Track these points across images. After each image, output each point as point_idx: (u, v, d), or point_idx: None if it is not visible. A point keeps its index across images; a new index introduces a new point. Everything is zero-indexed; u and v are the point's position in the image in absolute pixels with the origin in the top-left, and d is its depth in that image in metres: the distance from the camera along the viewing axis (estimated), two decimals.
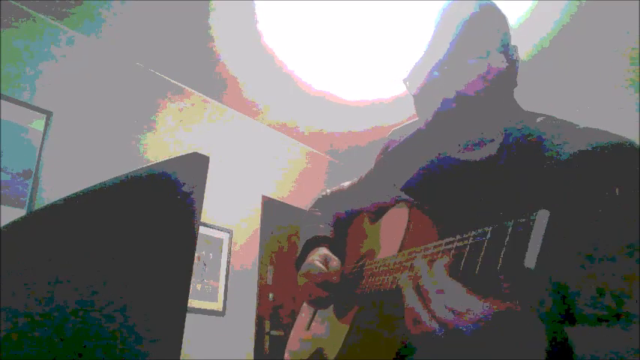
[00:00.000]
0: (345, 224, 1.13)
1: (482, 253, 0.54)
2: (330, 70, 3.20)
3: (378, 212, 0.99)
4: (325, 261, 0.97)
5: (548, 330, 0.54)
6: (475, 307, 0.54)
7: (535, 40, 2.86)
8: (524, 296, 0.58)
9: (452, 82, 0.73)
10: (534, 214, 0.48)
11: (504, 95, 0.77)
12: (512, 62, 0.77)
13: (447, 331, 0.56)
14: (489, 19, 0.77)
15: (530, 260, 0.46)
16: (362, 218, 1.07)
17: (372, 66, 3.12)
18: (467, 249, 0.58)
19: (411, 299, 0.61)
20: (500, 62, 0.74)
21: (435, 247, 0.65)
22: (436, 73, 0.75)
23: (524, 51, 2.90)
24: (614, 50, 2.93)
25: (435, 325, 0.57)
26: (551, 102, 2.82)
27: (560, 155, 0.66)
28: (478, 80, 0.73)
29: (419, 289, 0.60)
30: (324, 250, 1.01)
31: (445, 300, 0.57)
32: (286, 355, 1.11)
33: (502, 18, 0.79)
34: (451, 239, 0.62)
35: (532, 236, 0.47)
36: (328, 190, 1.22)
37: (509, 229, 0.51)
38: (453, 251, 0.60)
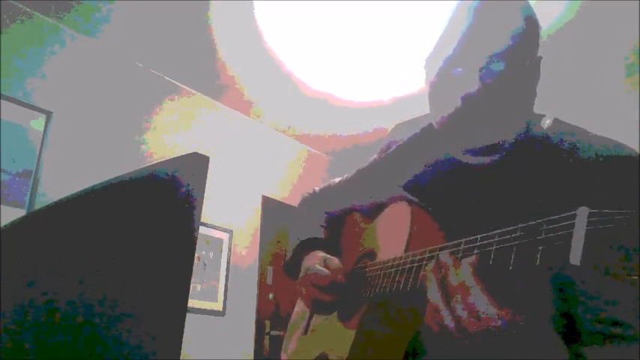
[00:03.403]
0: (338, 224, 1.08)
1: (514, 252, 0.54)
2: (330, 70, 3.20)
3: (372, 211, 0.96)
4: (325, 263, 0.93)
5: (570, 350, 0.54)
6: (489, 313, 0.54)
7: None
8: (537, 308, 0.58)
9: (470, 80, 0.70)
10: (574, 211, 0.47)
11: (521, 95, 0.73)
12: (534, 62, 0.73)
13: (462, 332, 0.56)
14: (505, 13, 0.72)
15: (575, 257, 0.45)
16: (355, 217, 1.03)
17: (372, 67, 3.12)
18: (493, 247, 0.57)
19: (433, 294, 0.60)
20: (518, 60, 0.70)
21: (455, 245, 0.63)
22: (459, 69, 0.71)
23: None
24: (614, 49, 2.93)
25: (451, 324, 0.56)
26: (550, 102, 2.81)
27: (571, 160, 0.65)
28: (494, 78, 0.69)
29: (444, 285, 0.59)
30: (320, 253, 0.96)
31: (465, 300, 0.56)
32: (284, 357, 1.06)
33: (520, 11, 0.73)
34: (473, 238, 0.61)
35: (575, 232, 0.46)
36: (317, 188, 1.15)
37: (544, 227, 0.51)
38: (476, 250, 0.59)
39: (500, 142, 0.73)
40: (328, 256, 0.94)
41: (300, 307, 1.11)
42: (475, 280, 0.56)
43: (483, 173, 0.76)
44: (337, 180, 1.11)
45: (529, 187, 0.68)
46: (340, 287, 0.90)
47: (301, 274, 0.96)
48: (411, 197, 0.85)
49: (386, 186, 0.92)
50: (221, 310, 3.18)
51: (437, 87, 0.76)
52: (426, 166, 0.85)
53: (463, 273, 0.57)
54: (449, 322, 0.57)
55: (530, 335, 0.53)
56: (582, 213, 0.46)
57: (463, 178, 0.78)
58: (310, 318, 1.03)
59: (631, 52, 2.92)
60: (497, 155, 0.74)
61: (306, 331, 1.02)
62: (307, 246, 1.01)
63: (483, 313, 0.54)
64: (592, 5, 2.59)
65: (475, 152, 0.75)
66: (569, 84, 3.20)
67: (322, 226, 1.07)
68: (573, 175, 0.64)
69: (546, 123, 0.74)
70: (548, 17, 2.69)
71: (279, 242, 3.68)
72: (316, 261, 0.93)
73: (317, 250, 0.99)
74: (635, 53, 2.91)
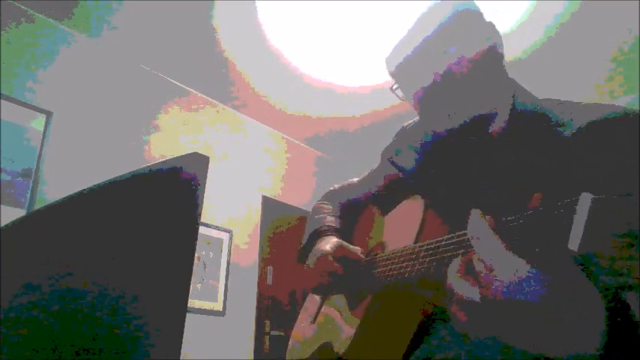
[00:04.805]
0: (353, 216, 1.12)
1: (515, 240, 0.52)
2: (330, 69, 3.20)
3: (385, 203, 0.98)
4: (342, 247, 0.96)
5: (602, 295, 0.48)
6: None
7: (534, 39, 2.86)
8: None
9: (430, 65, 0.76)
10: (576, 197, 0.46)
11: (493, 74, 0.78)
12: (492, 49, 0.78)
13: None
14: (467, 19, 0.79)
15: (574, 243, 0.44)
16: (371, 211, 1.06)
17: (371, 63, 3.12)
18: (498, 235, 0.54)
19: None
20: (476, 50, 0.76)
21: (458, 236, 0.63)
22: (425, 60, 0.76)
23: (522, 50, 2.91)
24: (613, 50, 2.93)
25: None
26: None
27: (570, 127, 0.66)
28: (457, 65, 0.74)
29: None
30: (335, 239, 0.99)
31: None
32: (288, 355, 1.07)
33: (479, 18, 0.81)
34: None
35: (576, 218, 0.45)
36: (337, 185, 1.21)
37: (545, 213, 0.49)
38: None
39: (491, 113, 0.76)
40: (345, 243, 0.97)
41: (309, 301, 1.12)
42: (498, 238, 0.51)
43: (481, 148, 0.77)
44: (356, 179, 1.16)
45: (528, 162, 0.69)
46: (350, 266, 0.93)
47: (312, 258, 0.99)
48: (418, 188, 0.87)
49: (387, 170, 0.98)
50: (221, 310, 3.18)
51: (399, 72, 0.82)
52: (420, 145, 0.90)
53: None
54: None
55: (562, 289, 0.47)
56: (585, 199, 0.45)
57: (460, 154, 0.80)
58: (320, 307, 1.04)
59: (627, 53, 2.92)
60: (491, 127, 0.77)
61: (314, 320, 1.03)
62: (321, 234, 1.05)
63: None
64: (592, 4, 2.59)
65: (459, 131, 0.77)
66: (570, 83, 3.20)
67: (337, 216, 1.11)
68: (565, 148, 0.65)
69: (540, 98, 0.77)
70: (548, 16, 2.69)
71: (278, 241, 3.68)
72: (330, 243, 0.97)
73: (330, 236, 1.02)
74: (635, 51, 2.91)
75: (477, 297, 0.50)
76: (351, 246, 0.96)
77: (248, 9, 2.66)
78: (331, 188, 1.21)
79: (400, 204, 0.92)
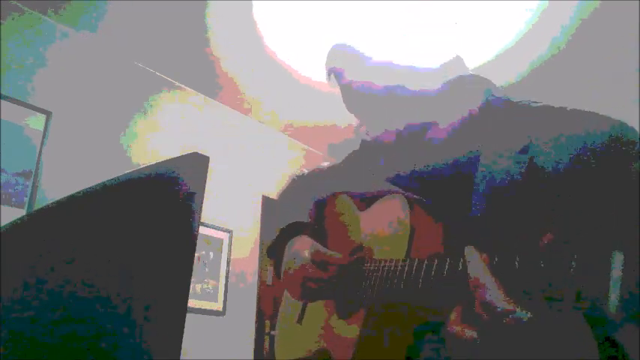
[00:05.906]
0: (322, 207, 1.04)
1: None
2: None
3: (362, 196, 0.93)
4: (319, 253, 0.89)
5: (595, 332, 0.49)
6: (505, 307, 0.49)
7: (545, 43, 2.85)
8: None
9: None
10: (610, 255, 0.43)
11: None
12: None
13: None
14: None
15: (613, 306, 0.42)
16: (341, 200, 0.99)
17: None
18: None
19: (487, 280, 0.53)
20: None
21: (452, 264, 0.61)
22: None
23: (530, 54, 2.91)
24: (625, 53, 2.93)
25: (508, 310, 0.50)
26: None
27: (558, 168, 0.64)
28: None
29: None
30: (310, 241, 0.91)
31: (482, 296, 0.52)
32: (278, 356, 1.02)
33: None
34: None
35: (612, 281, 0.43)
36: (305, 170, 1.12)
37: (573, 267, 0.46)
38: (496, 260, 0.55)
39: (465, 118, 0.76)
40: (322, 247, 0.90)
41: (286, 299, 1.07)
42: (491, 275, 0.51)
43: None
44: (326, 164, 1.10)
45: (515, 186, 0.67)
46: (337, 277, 0.87)
47: (289, 259, 0.93)
48: (399, 185, 0.83)
49: (374, 174, 0.92)
50: (221, 310, 3.18)
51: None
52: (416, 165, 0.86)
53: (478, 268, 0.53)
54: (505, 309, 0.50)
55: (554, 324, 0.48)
56: (618, 259, 0.43)
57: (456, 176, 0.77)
58: (304, 306, 0.99)
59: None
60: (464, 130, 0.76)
61: (300, 320, 0.99)
62: (292, 230, 0.98)
63: (500, 309, 0.49)
64: (603, 4, 2.59)
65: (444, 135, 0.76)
66: (581, 87, 3.20)
67: (308, 209, 1.04)
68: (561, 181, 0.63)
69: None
70: (559, 19, 2.69)
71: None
72: (306, 247, 0.89)
73: (302, 234, 0.95)
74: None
75: (474, 337, 0.51)
76: (328, 251, 0.88)
77: (245, 8, 2.66)
78: (299, 174, 1.13)
79: (378, 200, 0.87)
